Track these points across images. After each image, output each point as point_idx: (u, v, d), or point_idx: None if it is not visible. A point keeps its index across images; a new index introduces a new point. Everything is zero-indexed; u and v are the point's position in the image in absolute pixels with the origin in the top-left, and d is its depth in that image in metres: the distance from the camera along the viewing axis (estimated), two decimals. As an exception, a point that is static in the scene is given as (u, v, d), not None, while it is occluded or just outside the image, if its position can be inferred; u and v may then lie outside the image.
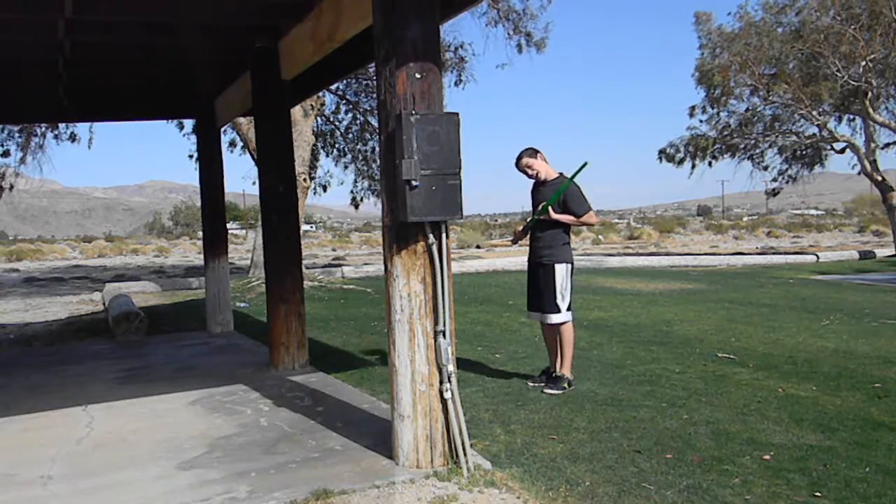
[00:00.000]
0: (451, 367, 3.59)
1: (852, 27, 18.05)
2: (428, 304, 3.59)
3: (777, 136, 22.02)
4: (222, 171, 8.81)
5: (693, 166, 22.90)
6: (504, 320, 8.74)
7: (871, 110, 19.52)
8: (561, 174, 5.32)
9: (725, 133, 22.42)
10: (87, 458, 4.05)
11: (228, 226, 11.23)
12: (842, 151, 21.19)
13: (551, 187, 5.23)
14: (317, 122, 15.83)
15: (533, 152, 5.31)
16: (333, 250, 37.58)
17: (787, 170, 23.34)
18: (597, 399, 4.86)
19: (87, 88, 7.58)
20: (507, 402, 4.86)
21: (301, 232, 7.63)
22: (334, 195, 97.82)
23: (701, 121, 22.59)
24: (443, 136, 3.46)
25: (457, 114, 3.53)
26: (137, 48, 6.25)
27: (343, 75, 9.43)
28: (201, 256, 9.46)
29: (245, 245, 36.00)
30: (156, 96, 8.39)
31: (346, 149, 17.88)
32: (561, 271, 5.16)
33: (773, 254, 22.96)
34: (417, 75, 3.51)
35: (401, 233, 3.58)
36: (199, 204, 9.33)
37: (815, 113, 19.79)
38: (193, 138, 15.14)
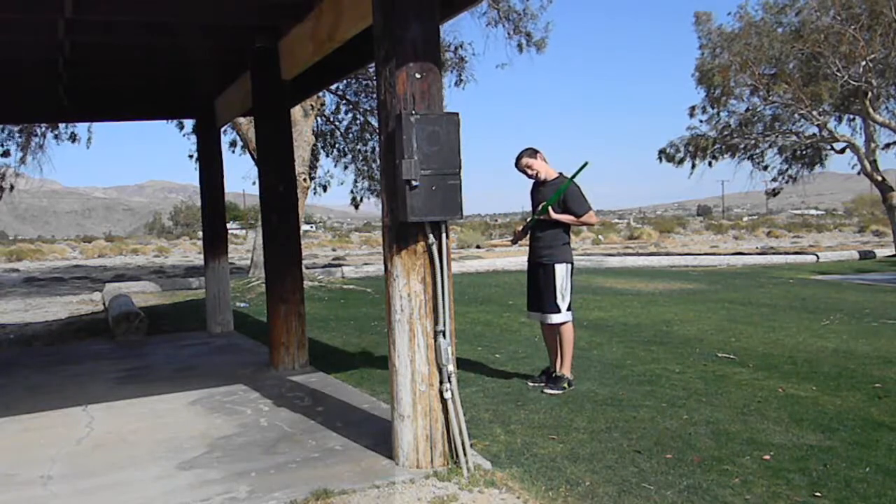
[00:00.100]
0: (451, 367, 3.59)
1: (852, 27, 18.04)
2: (428, 304, 3.59)
3: (777, 136, 22.00)
4: (222, 171, 8.81)
5: (693, 166, 22.90)
6: (504, 320, 8.74)
7: (871, 110, 19.51)
8: (561, 174, 5.33)
9: (725, 133, 22.40)
10: (87, 458, 4.05)
11: (228, 226, 11.23)
12: (842, 151, 21.18)
13: (551, 187, 5.23)
14: (317, 122, 15.82)
15: (533, 152, 5.31)
16: (333, 250, 37.58)
17: (787, 170, 23.33)
18: (597, 399, 4.87)
19: (87, 88, 7.58)
20: (507, 402, 4.86)
21: (301, 232, 7.63)
22: (334, 195, 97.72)
23: (701, 121, 22.61)
24: (443, 136, 3.46)
25: (457, 114, 3.54)
26: (137, 48, 6.25)
27: (343, 75, 9.43)
28: (201, 256, 9.46)
29: (245, 245, 35.99)
30: (156, 96, 8.39)
31: (346, 149, 17.87)
32: (561, 271, 5.16)
33: (773, 254, 22.94)
34: (417, 75, 3.51)
35: (401, 233, 3.58)
36: (199, 204, 9.33)
37: (815, 113, 19.77)
38: (193, 138, 15.15)
